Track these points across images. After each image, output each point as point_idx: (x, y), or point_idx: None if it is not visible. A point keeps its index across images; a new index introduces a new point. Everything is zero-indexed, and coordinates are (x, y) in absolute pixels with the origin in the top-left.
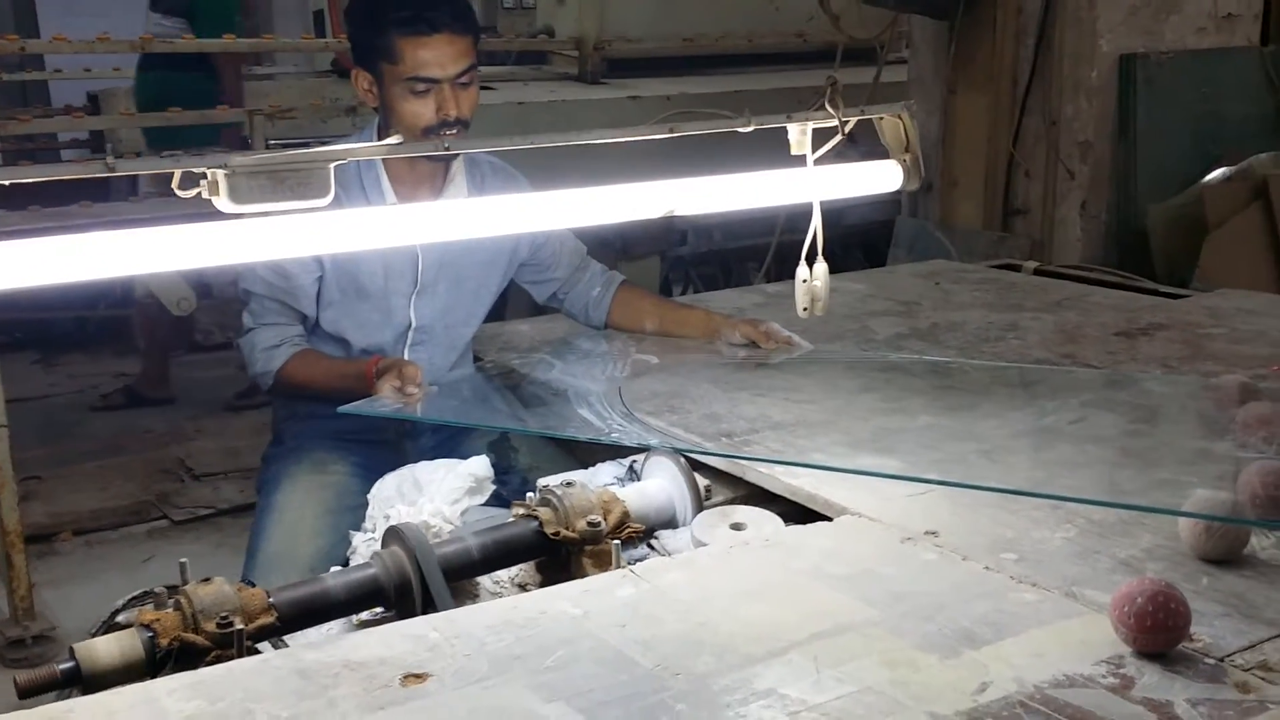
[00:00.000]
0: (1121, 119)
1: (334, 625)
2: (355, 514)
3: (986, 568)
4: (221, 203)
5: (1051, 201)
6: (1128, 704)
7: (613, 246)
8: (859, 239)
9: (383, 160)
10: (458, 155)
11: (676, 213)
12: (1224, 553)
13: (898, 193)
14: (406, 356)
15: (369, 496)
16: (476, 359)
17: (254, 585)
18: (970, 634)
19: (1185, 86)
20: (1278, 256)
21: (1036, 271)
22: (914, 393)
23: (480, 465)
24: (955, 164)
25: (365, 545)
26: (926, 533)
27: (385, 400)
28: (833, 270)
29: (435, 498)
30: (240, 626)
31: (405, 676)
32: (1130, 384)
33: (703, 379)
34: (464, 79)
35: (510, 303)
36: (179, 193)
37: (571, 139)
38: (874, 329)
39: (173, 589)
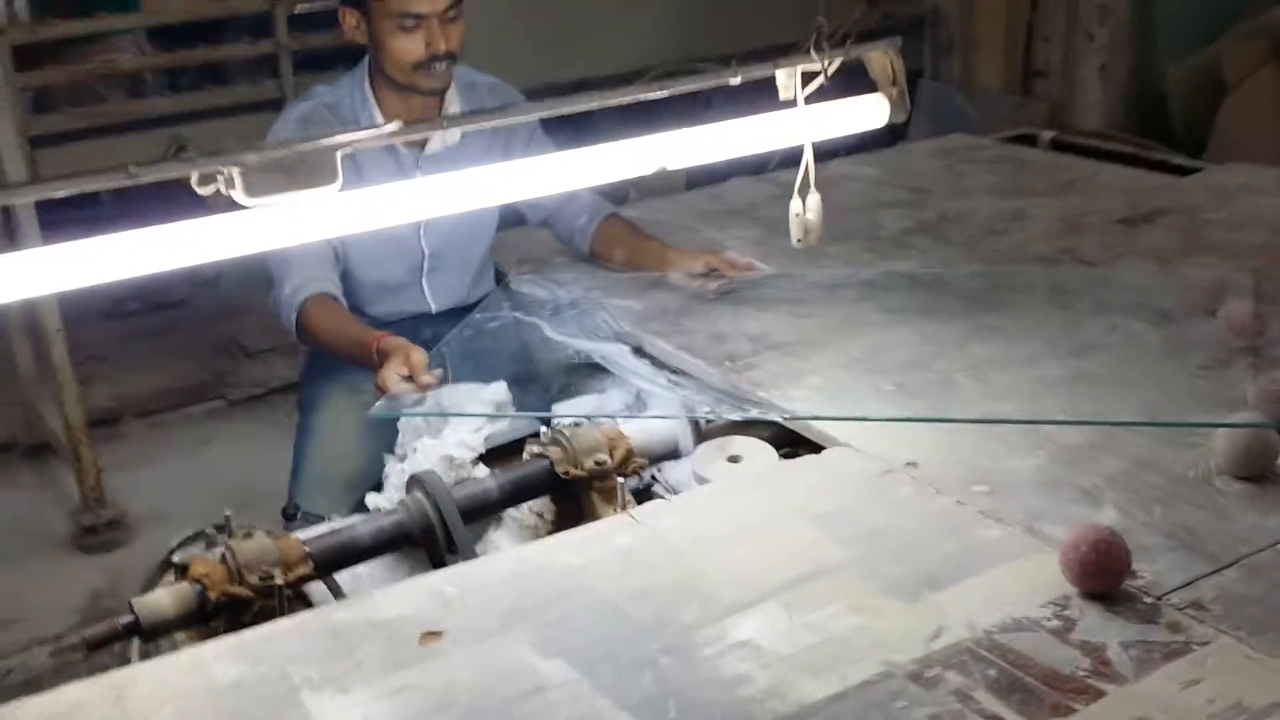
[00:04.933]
0: None
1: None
2: (388, 434)
3: (958, 501)
4: (239, 196)
5: (1071, 64)
6: (1065, 647)
7: None
8: None
9: (373, 98)
10: (447, 87)
11: (670, 168)
12: (1258, 470)
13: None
14: (424, 285)
15: (398, 424)
16: (499, 275)
17: (299, 507)
18: (933, 577)
19: None
20: None
21: (1053, 143)
22: (933, 311)
23: (500, 391)
24: (975, 26)
25: (398, 474)
26: (907, 464)
27: (403, 394)
28: None
29: (459, 427)
30: (279, 582)
31: (423, 634)
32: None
33: (703, 297)
34: (451, 13)
35: None
36: (199, 189)
37: (566, 106)
38: (882, 223)
39: (220, 528)
